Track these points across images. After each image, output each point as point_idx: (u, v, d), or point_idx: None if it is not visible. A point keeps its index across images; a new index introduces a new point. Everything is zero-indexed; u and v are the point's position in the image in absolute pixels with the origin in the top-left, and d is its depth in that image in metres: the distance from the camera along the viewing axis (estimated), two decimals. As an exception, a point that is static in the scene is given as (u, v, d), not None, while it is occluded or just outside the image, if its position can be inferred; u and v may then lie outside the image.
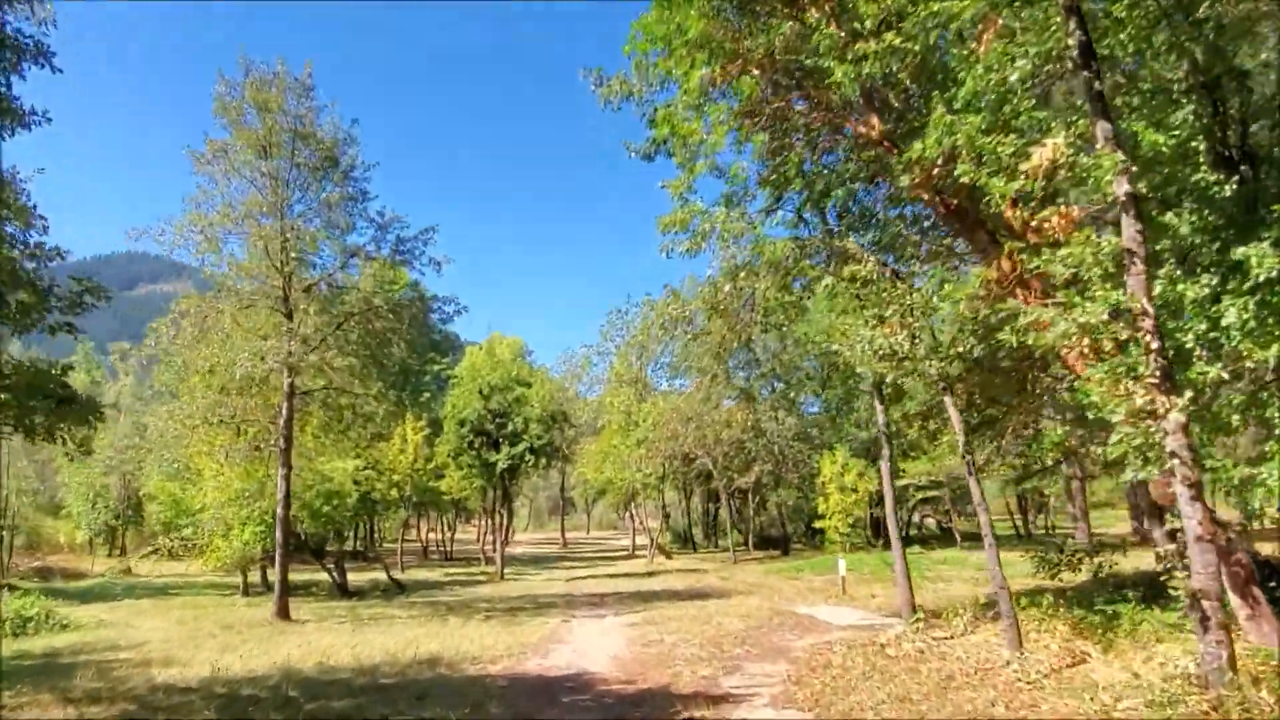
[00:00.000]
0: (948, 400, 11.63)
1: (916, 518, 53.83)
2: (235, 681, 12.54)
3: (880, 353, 11.79)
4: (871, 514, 45.45)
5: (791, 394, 45.81)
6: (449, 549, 54.88)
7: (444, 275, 29.48)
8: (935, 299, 11.46)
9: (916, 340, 11.63)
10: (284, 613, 21.31)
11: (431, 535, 69.86)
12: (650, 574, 35.28)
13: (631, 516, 58.32)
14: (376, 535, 71.99)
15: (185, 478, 31.92)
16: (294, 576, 38.00)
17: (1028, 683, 9.95)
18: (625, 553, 57.07)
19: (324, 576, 31.70)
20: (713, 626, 17.32)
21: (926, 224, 12.51)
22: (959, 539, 41.70)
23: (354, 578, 36.91)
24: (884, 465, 14.91)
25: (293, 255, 22.61)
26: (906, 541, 47.28)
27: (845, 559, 32.82)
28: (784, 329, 17.60)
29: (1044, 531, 47.80)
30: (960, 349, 11.30)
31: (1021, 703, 9.21)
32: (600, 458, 50.72)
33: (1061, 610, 13.08)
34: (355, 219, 23.40)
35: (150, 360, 48.86)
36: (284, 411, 22.36)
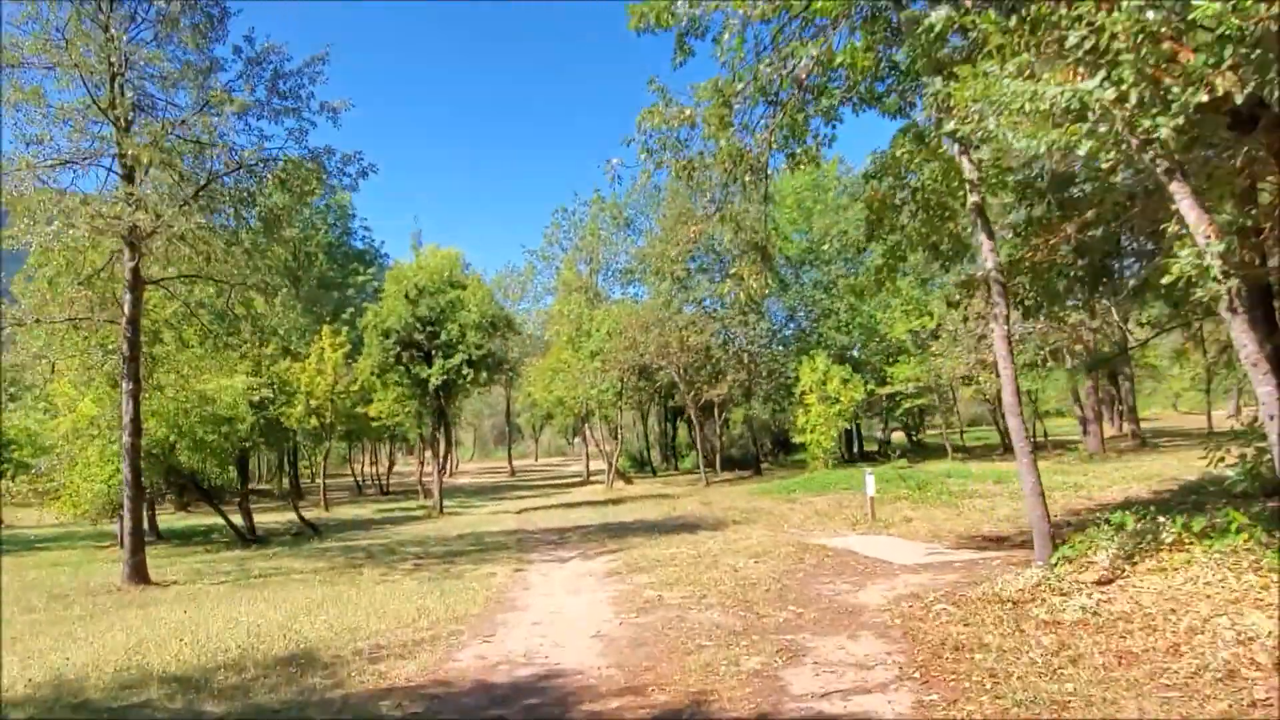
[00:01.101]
0: (1179, 190, 6.67)
1: (877, 433, 50.07)
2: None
3: (1059, 112, 6.72)
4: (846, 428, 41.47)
5: (764, 293, 40.87)
6: (385, 483, 49.52)
7: (342, 127, 23.34)
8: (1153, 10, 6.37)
9: (1123, 86, 6.58)
10: (139, 574, 15.88)
11: (371, 469, 64.24)
12: (613, 501, 30.59)
13: (584, 440, 53.68)
14: (310, 470, 66.22)
15: (44, 408, 26.08)
16: (193, 521, 32.56)
17: None
18: (579, 479, 52.50)
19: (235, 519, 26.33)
20: (725, 572, 12.52)
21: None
22: (949, 451, 37.79)
23: (271, 519, 31.74)
24: (997, 330, 9.91)
25: (128, 97, 16.56)
26: (885, 457, 43.36)
27: (855, 475, 28.56)
28: (815, 160, 12.30)
29: (1041, 438, 44.12)
30: (1213, 90, 6.29)
31: None
32: (549, 375, 45.64)
33: (1241, 536, 8.49)
34: (213, 45, 17.32)
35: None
36: (126, 308, 16.57)
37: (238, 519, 24.78)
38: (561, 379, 42.60)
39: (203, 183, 17.22)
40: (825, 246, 38.33)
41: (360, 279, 44.47)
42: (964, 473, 27.26)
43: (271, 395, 26.05)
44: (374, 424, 39.60)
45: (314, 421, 34.80)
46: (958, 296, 12.51)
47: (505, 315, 30.57)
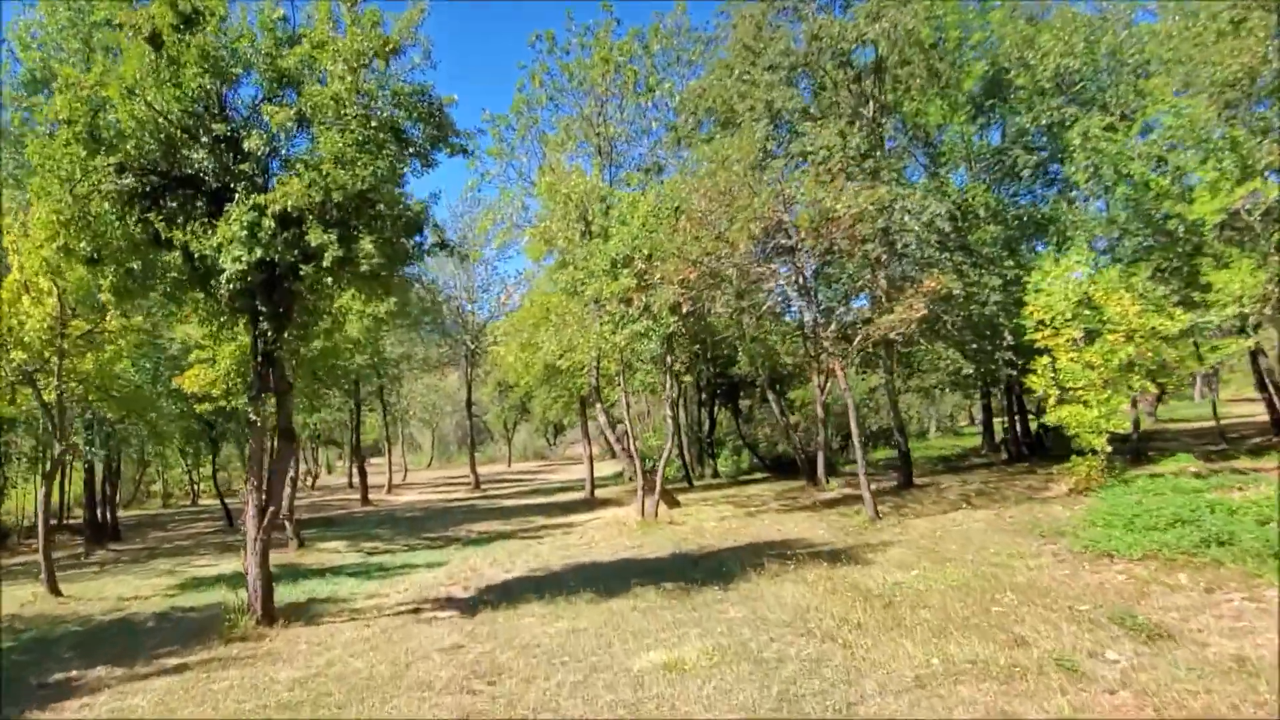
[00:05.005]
0: None
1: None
2: None
3: None
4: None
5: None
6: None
7: None
8: None
9: None
10: None
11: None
12: (695, 560, 12.23)
13: (586, 435, 35.13)
14: (160, 493, 46.95)
15: None
16: None
17: None
18: (579, 492, 33.93)
19: None
20: None
21: None
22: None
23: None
24: None
25: None
26: (1137, 454, 21.21)
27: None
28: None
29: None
30: None
31: None
32: (531, 327, 27.20)
33: None
34: None
35: None
36: None
37: None
38: (552, 330, 23.96)
39: None
40: (1043, 66, 20.16)
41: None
42: None
43: None
44: (188, 407, 20.70)
45: (21, 399, 16.10)
46: None
47: (431, 102, 11.68)
